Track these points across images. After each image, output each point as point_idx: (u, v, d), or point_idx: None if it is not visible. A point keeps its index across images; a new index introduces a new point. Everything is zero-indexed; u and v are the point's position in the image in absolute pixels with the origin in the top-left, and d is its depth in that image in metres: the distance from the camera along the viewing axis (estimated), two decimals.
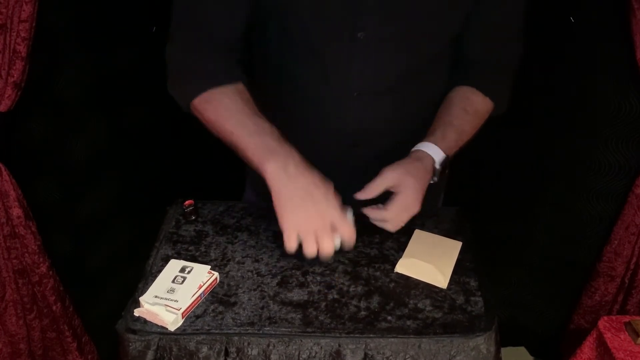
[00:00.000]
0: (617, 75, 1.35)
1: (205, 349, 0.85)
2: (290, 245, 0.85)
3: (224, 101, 0.93)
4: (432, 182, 0.99)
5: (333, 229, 0.86)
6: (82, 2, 1.34)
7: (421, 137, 1.02)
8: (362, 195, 0.94)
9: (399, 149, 1.00)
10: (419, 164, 0.96)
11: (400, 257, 1.00)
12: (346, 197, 0.91)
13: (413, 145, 1.01)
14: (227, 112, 0.92)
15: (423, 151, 0.98)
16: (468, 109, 1.04)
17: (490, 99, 1.06)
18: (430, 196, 0.99)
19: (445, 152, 0.99)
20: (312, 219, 0.84)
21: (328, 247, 0.85)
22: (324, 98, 1.02)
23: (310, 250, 0.85)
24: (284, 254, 0.93)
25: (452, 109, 1.04)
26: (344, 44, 0.96)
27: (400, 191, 0.93)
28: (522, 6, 1.03)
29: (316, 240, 0.84)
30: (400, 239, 1.06)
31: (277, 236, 1.07)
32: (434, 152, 0.98)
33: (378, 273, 0.98)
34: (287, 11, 0.95)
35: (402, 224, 0.96)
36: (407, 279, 0.97)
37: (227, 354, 0.85)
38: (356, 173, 0.98)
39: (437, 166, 0.98)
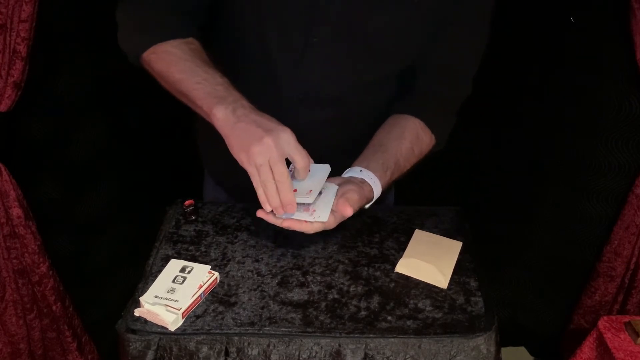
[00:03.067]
0: (617, 75, 1.35)
1: (205, 349, 0.85)
2: (257, 185, 0.81)
3: (173, 52, 0.92)
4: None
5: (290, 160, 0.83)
6: (82, 2, 1.34)
7: (362, 146, 1.02)
8: (343, 211, 0.89)
9: (339, 156, 0.99)
10: (364, 200, 0.93)
11: (400, 257, 1.00)
12: None
13: (353, 153, 1.01)
14: (176, 62, 0.91)
15: (371, 189, 0.95)
16: (416, 150, 1.04)
17: (435, 138, 1.07)
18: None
19: (381, 192, 0.98)
20: (265, 147, 0.79)
21: (283, 176, 0.80)
22: (268, 99, 0.97)
23: (266, 181, 0.80)
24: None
25: (403, 146, 1.02)
26: (297, 47, 0.97)
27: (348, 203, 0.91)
28: (480, 53, 1.04)
29: (271, 171, 0.80)
30: (400, 239, 1.06)
31: (277, 236, 1.07)
32: (377, 191, 0.96)
33: (378, 273, 0.98)
34: (247, 4, 0.96)
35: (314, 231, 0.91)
36: (407, 279, 0.97)
37: (227, 354, 0.85)
38: None
39: (367, 206, 0.97)
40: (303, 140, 0.86)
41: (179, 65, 0.90)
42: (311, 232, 0.88)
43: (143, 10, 0.96)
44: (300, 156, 0.83)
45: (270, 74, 1.02)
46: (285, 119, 0.89)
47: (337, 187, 0.91)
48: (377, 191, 0.96)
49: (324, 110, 1.06)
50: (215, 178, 1.29)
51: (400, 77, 1.08)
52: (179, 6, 0.96)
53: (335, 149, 1.00)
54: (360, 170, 0.96)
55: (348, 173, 0.97)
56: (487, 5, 1.01)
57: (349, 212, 0.87)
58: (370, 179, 0.96)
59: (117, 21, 0.98)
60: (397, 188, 1.34)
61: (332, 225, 0.89)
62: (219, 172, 1.26)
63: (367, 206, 0.97)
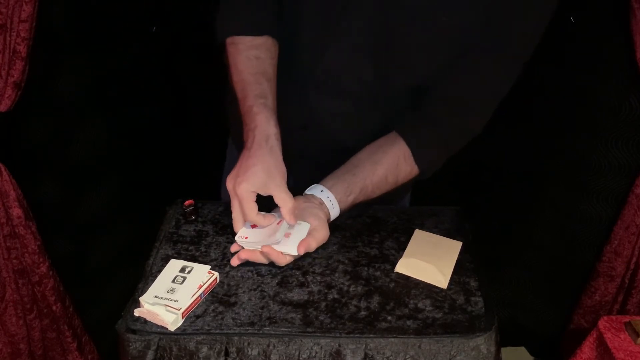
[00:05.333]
0: (617, 76, 1.35)
1: (205, 349, 0.85)
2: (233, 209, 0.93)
3: (244, 52, 1.00)
4: None
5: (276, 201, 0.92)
6: (82, 2, 1.34)
7: (373, 139, 1.04)
8: (288, 219, 0.93)
9: (349, 146, 1.02)
10: (319, 221, 0.96)
11: (400, 257, 1.00)
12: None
13: (360, 146, 1.03)
14: (241, 65, 1.00)
15: (327, 210, 0.98)
16: (390, 179, 1.03)
17: (419, 169, 1.05)
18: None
19: (340, 213, 1.00)
20: (238, 183, 0.90)
21: (243, 190, 0.90)
22: (292, 81, 1.05)
23: (235, 213, 0.92)
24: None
25: (376, 172, 1.01)
26: (323, 34, 0.99)
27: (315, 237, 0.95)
28: (501, 93, 1.00)
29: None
30: (400, 239, 1.06)
31: None
32: (334, 213, 0.99)
33: (378, 273, 0.98)
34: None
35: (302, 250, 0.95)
36: (407, 279, 0.97)
37: (227, 354, 0.85)
38: (306, 164, 1.03)
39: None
40: (319, 128, 0.96)
41: (241, 71, 0.99)
42: (282, 264, 0.94)
43: (244, 3, 1.03)
44: (282, 196, 0.91)
45: (297, 57, 1.04)
46: (304, 104, 1.00)
47: (308, 225, 0.95)
48: (334, 214, 0.99)
49: (341, 102, 1.06)
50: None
51: (415, 93, 1.05)
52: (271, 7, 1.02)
53: (347, 141, 1.02)
54: (322, 190, 0.99)
55: (310, 190, 1.00)
56: (525, 40, 0.93)
57: (311, 249, 0.94)
58: (329, 202, 0.98)
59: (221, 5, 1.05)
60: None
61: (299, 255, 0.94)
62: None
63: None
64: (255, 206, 0.91)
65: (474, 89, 0.99)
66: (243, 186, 0.90)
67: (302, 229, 0.94)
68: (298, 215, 0.94)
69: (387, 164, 1.02)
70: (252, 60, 1.00)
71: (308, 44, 1.03)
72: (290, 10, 1.02)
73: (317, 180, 1.01)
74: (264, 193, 0.91)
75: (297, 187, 0.99)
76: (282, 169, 0.92)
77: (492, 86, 0.99)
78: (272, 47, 1.03)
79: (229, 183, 0.92)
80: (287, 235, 0.94)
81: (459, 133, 1.05)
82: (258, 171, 0.90)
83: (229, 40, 1.03)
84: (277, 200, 0.91)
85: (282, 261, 0.93)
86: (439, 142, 1.05)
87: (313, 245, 0.93)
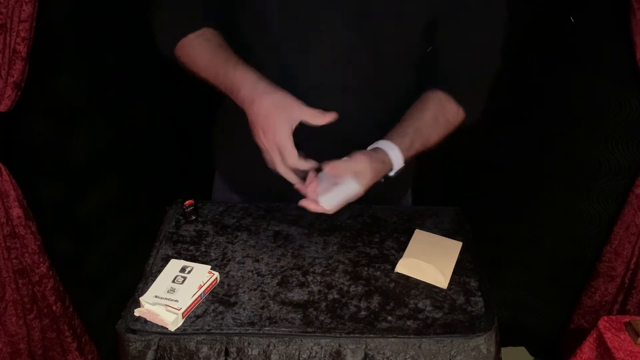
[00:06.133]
0: (617, 75, 1.35)
1: (205, 349, 0.85)
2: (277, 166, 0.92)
3: (199, 42, 1.02)
4: (380, 181, 0.99)
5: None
6: (82, 2, 1.34)
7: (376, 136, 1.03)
8: (330, 170, 0.93)
9: (352, 145, 1.01)
10: (380, 165, 0.95)
11: (400, 257, 1.00)
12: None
13: (367, 143, 1.02)
14: (202, 51, 1.01)
15: (388, 156, 0.97)
16: (440, 118, 1.04)
17: (463, 109, 1.06)
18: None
19: (405, 161, 0.99)
20: (272, 134, 0.90)
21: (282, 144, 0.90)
22: (287, 89, 1.04)
23: (284, 165, 0.91)
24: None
25: (425, 115, 1.03)
26: (305, 38, 0.99)
27: (356, 179, 0.93)
28: (502, 21, 1.03)
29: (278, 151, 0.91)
30: (400, 239, 1.06)
31: (277, 236, 1.07)
32: (397, 161, 0.97)
33: (378, 273, 0.98)
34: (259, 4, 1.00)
35: (337, 208, 0.95)
36: (407, 279, 0.97)
37: (227, 354, 0.85)
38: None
39: (392, 174, 0.99)
40: (329, 129, 0.93)
41: (204, 55, 1.01)
42: (315, 211, 0.93)
43: (168, 9, 1.05)
44: (287, 150, 0.90)
45: (283, 64, 1.04)
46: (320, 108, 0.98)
47: (356, 184, 0.92)
48: (394, 154, 0.97)
49: (345, 98, 1.05)
50: (229, 184, 1.29)
51: (422, 61, 1.07)
52: (199, 6, 1.03)
53: (360, 137, 1.01)
54: (377, 142, 0.99)
55: (369, 148, 0.99)
56: None
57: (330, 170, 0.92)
58: (384, 145, 0.97)
59: (150, 23, 1.07)
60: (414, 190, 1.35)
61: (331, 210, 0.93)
62: (235, 179, 1.27)
63: (391, 174, 0.98)
64: (295, 151, 0.90)
65: (475, 31, 1.02)
66: (278, 133, 0.89)
67: (347, 187, 0.92)
68: (349, 167, 0.93)
69: (433, 107, 1.03)
70: (203, 45, 1.01)
71: (290, 51, 1.02)
72: (261, 22, 1.02)
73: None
74: (295, 123, 0.90)
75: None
76: (288, 95, 0.93)
77: (492, 20, 1.02)
78: (216, 33, 1.04)
79: (262, 143, 0.92)
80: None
81: (481, 71, 1.07)
82: (275, 112, 0.90)
83: (175, 51, 1.04)
84: (310, 117, 0.91)
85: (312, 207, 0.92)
86: (469, 83, 1.07)
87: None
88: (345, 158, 0.93)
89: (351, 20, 0.98)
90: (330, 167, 0.91)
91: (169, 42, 1.05)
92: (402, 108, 1.06)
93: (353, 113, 1.07)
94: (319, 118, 0.91)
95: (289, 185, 0.95)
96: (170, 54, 1.05)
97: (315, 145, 0.95)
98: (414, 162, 1.24)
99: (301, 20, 0.99)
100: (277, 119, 0.90)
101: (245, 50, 1.05)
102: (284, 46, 1.02)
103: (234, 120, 1.05)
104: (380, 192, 1.00)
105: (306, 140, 0.95)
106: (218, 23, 1.05)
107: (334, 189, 0.92)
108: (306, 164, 0.92)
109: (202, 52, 1.01)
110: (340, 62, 1.02)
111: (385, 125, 1.04)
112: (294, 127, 0.91)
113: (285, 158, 0.91)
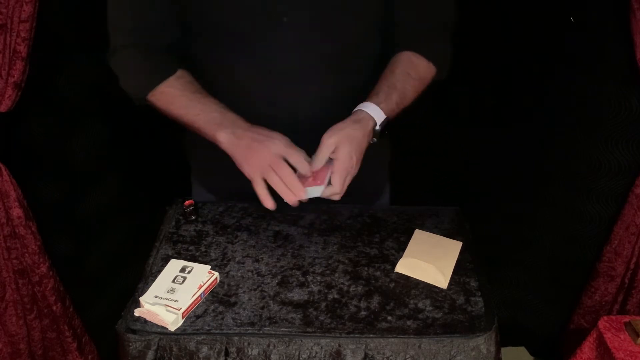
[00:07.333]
0: (617, 75, 1.35)
1: (205, 349, 0.85)
2: (260, 191, 0.93)
3: (167, 91, 1.04)
4: (371, 142, 1.01)
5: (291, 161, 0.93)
6: (82, 2, 1.34)
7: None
8: (313, 168, 0.95)
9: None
10: (357, 125, 0.97)
11: (400, 257, 1.00)
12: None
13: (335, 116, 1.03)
14: (172, 100, 1.03)
15: (364, 112, 0.99)
16: (411, 72, 1.06)
17: (432, 63, 1.09)
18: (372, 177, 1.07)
19: (386, 114, 1.00)
20: (262, 156, 0.92)
21: (285, 174, 0.91)
22: (256, 86, 1.06)
23: (275, 182, 0.91)
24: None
25: (396, 72, 1.05)
26: (269, 29, 1.01)
27: (338, 157, 0.95)
28: None
29: (275, 173, 0.92)
30: (400, 239, 1.06)
31: (277, 236, 1.07)
32: (375, 113, 0.99)
33: (378, 273, 0.98)
34: (212, 5, 1.00)
35: (345, 188, 0.97)
36: (407, 279, 0.97)
37: (227, 354, 0.85)
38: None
39: (378, 127, 1.00)
40: (312, 115, 0.98)
41: (176, 103, 1.03)
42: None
43: (132, 57, 1.06)
44: (291, 154, 0.93)
45: (251, 63, 1.05)
46: (274, 102, 1.03)
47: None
48: (372, 109, 0.99)
49: (320, 79, 1.07)
50: (206, 186, 1.30)
51: (383, 30, 1.10)
52: (159, 42, 1.05)
53: (343, 116, 1.02)
54: (353, 112, 1.00)
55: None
56: None
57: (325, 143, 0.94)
58: (361, 106, 0.99)
59: (113, 70, 1.08)
60: (395, 187, 1.34)
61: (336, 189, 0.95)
62: (208, 178, 1.28)
63: (377, 127, 0.99)
64: (289, 168, 0.92)
65: None
66: (272, 152, 0.92)
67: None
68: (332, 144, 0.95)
69: (402, 64, 1.06)
70: (186, 89, 1.03)
71: (258, 45, 1.03)
72: (215, 26, 1.03)
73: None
74: (285, 153, 0.93)
75: None
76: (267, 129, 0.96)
77: None
78: (189, 75, 1.06)
79: (250, 172, 0.93)
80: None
81: (439, 24, 1.10)
82: (267, 138, 0.93)
83: (149, 95, 1.05)
84: (290, 156, 0.93)
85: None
86: (431, 38, 1.09)
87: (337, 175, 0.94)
88: (318, 148, 0.95)
89: (311, 4, 0.99)
90: (312, 169, 0.93)
91: (143, 91, 1.05)
92: (371, 82, 1.07)
93: (324, 95, 1.08)
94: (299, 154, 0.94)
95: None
96: (143, 100, 1.06)
97: (296, 136, 0.97)
98: (388, 158, 1.27)
99: (261, 14, 1.00)
100: (273, 142, 0.93)
101: (208, 54, 1.07)
102: (248, 41, 1.03)
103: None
104: (358, 184, 1.00)
105: (287, 133, 0.97)
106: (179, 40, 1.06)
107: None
108: (315, 164, 0.94)
109: (176, 95, 1.03)
110: (305, 47, 1.03)
111: (358, 101, 1.05)
112: (285, 155, 0.93)
113: (292, 159, 0.92)
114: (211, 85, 1.05)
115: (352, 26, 1.04)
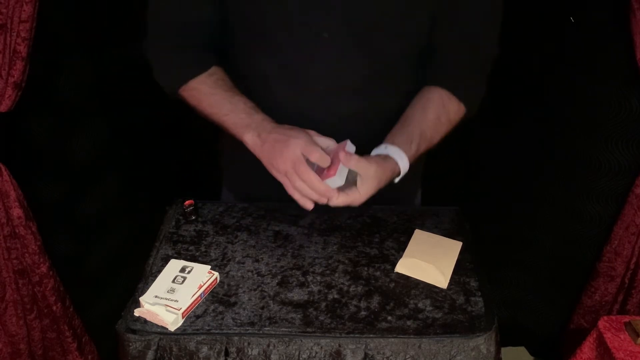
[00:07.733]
0: (617, 76, 1.35)
1: (205, 349, 0.85)
2: (291, 191, 0.92)
3: (200, 88, 1.04)
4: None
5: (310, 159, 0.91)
6: (82, 2, 1.34)
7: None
8: (344, 158, 0.93)
9: (358, 146, 1.01)
10: (389, 175, 0.97)
11: (400, 257, 1.00)
12: None
13: (373, 142, 1.02)
14: (203, 98, 1.04)
15: (395, 162, 0.98)
16: (442, 119, 1.05)
17: (464, 105, 1.07)
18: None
19: (410, 164, 1.00)
20: (284, 157, 0.91)
21: (305, 173, 0.89)
22: (290, 98, 1.06)
23: (298, 184, 0.90)
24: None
25: (428, 116, 1.04)
26: (308, 43, 1.00)
27: (362, 184, 0.94)
28: (498, 9, 1.04)
29: (298, 177, 0.90)
30: (400, 239, 1.06)
31: (277, 236, 1.07)
32: (403, 165, 0.99)
33: (378, 273, 0.98)
34: (253, 13, 1.00)
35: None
36: (407, 279, 0.97)
37: (227, 354, 0.85)
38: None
39: (396, 180, 1.00)
40: (330, 132, 0.96)
41: (206, 101, 1.03)
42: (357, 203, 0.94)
43: (167, 50, 1.06)
44: (310, 151, 0.90)
45: (288, 76, 1.05)
46: (309, 116, 1.02)
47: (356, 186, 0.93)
48: (403, 164, 0.98)
49: (347, 102, 1.06)
50: (231, 188, 1.31)
51: (423, 56, 1.08)
52: (196, 39, 1.05)
53: (373, 136, 1.02)
54: (385, 147, 0.99)
55: (374, 152, 1.00)
56: None
57: (346, 162, 0.91)
58: (394, 153, 0.98)
59: (148, 59, 1.08)
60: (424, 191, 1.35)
61: (357, 197, 0.93)
62: (242, 190, 1.28)
63: (396, 180, 1.00)
64: (308, 167, 0.90)
65: (471, 20, 1.03)
66: (292, 155, 0.90)
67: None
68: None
69: (434, 107, 1.05)
70: (207, 83, 1.03)
71: (297, 59, 1.03)
72: (255, 35, 1.03)
73: None
74: (308, 152, 0.90)
75: None
76: (293, 127, 0.95)
77: (488, 8, 1.03)
78: (222, 72, 1.06)
79: (278, 176, 0.93)
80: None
81: (479, 61, 1.08)
82: (287, 138, 0.92)
83: (180, 91, 1.05)
84: (309, 154, 0.91)
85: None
86: (468, 75, 1.08)
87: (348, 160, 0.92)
88: (365, 156, 0.93)
89: (352, 22, 0.98)
90: (345, 156, 0.91)
91: (174, 85, 1.06)
92: (405, 106, 1.07)
93: (357, 114, 1.07)
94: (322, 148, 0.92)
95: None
96: (175, 94, 1.07)
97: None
98: (422, 161, 1.26)
99: (302, 28, 0.99)
100: (294, 142, 0.91)
101: (245, 59, 1.06)
102: (286, 52, 1.02)
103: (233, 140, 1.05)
104: (393, 191, 1.01)
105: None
106: (217, 43, 1.06)
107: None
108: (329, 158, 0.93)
109: (207, 93, 1.03)
110: (342, 64, 1.02)
111: (390, 123, 1.05)
112: (306, 153, 0.91)
113: (311, 156, 0.91)
114: (244, 90, 1.05)
115: (392, 48, 1.03)
